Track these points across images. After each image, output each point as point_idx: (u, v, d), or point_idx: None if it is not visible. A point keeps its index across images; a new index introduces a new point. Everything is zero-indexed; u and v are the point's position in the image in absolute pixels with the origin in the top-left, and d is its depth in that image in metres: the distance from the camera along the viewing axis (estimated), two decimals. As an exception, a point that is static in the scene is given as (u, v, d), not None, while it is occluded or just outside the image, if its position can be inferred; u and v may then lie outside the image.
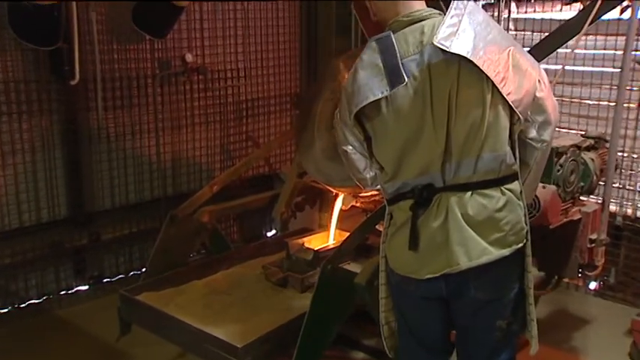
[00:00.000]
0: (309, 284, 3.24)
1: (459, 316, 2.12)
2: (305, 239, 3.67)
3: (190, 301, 3.26)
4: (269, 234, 4.53)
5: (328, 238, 3.69)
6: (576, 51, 3.75)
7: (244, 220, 4.84)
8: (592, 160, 3.22)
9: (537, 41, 3.47)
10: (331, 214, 3.55)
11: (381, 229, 2.22)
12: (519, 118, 1.98)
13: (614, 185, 3.67)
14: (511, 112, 1.97)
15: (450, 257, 1.96)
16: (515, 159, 2.02)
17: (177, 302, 3.25)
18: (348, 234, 3.06)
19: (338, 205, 3.41)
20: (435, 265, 1.99)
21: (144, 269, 3.64)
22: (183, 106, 4.65)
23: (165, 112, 4.54)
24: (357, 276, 2.65)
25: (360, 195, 3.13)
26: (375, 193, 3.11)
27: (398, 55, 1.92)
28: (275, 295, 3.35)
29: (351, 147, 2.15)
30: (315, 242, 3.67)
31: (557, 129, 2.17)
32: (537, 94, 2.02)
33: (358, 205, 3.30)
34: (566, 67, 3.84)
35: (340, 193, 3.30)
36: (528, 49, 2.78)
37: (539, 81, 2.02)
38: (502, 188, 1.99)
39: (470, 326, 2.11)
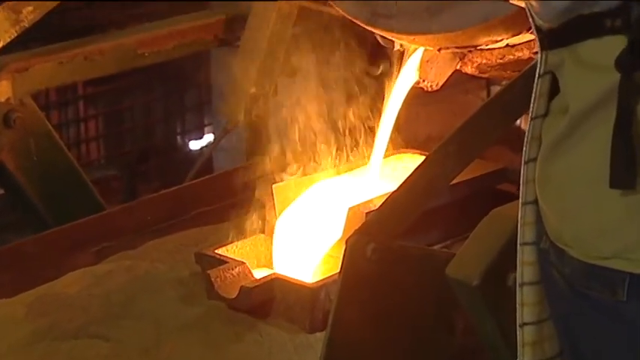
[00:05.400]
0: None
1: None
2: (317, 176, 3.02)
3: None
4: (199, 144, 4.04)
5: (379, 173, 3.01)
6: None
7: (130, 103, 4.30)
8: None
9: None
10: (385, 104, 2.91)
11: (524, 125, 1.80)
12: None
13: None
14: None
15: None
16: None
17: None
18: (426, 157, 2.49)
19: (408, 74, 2.76)
20: None
21: None
22: None
23: None
24: (451, 263, 2.25)
25: (478, 46, 2.63)
26: (517, 40, 2.67)
27: None
28: (234, 344, 2.66)
29: None
30: (345, 186, 3.02)
31: None
32: None
33: (469, 70, 2.79)
34: None
35: (415, 44, 2.76)
36: None
37: None
38: None
39: None
